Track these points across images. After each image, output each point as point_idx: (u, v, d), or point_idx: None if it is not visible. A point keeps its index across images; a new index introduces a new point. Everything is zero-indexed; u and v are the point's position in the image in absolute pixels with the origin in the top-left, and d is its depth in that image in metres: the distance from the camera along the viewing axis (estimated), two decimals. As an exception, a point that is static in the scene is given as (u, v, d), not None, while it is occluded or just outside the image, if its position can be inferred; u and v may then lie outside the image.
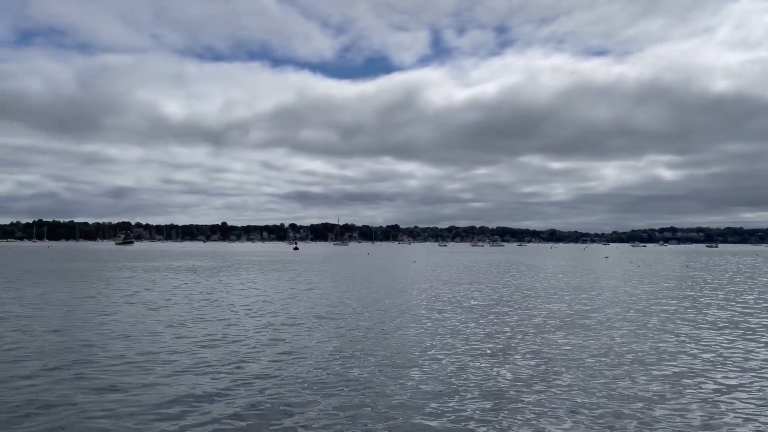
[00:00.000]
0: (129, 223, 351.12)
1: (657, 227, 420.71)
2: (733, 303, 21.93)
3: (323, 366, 10.75)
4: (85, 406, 8.15)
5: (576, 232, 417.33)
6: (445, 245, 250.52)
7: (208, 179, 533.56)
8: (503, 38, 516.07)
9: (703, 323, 16.45)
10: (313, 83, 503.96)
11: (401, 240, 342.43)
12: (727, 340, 13.77)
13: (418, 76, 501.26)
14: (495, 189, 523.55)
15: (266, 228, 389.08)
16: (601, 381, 9.75)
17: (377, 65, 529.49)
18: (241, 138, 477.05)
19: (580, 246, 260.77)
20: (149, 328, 14.94)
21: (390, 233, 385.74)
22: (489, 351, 12.27)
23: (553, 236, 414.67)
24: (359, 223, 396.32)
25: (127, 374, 9.98)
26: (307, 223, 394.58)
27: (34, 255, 78.14)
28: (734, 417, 7.94)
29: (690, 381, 9.82)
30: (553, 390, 9.18)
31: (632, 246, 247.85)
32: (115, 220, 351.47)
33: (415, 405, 8.39)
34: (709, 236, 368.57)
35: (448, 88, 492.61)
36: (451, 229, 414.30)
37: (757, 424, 7.65)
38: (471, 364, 11.04)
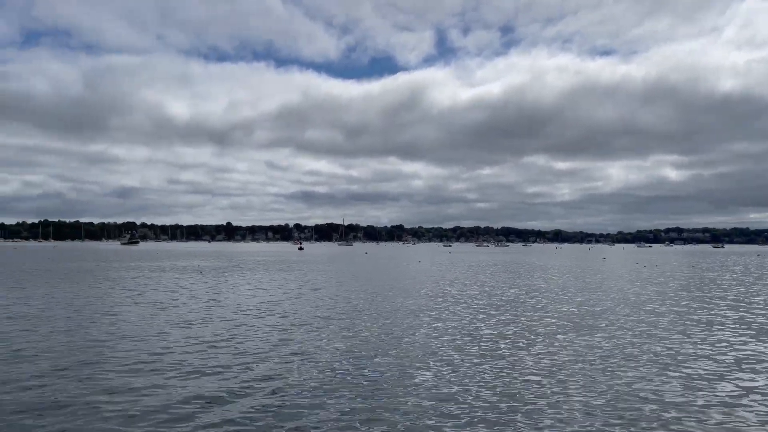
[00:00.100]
0: (134, 223, 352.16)
1: (663, 228, 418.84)
2: (742, 304, 21.75)
3: (333, 367, 10.69)
4: (97, 407, 8.11)
5: (581, 232, 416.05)
6: (449, 245, 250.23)
7: (213, 179, 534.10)
8: (508, 38, 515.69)
9: (714, 324, 16.30)
10: (317, 83, 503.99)
11: (406, 240, 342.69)
12: (740, 341, 13.63)
13: (423, 76, 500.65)
14: (500, 189, 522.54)
15: (271, 228, 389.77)
16: (616, 382, 9.64)
17: (382, 65, 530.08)
18: (246, 138, 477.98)
19: (585, 246, 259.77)
20: (157, 328, 14.92)
21: (395, 233, 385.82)
22: (500, 352, 12.18)
23: (559, 236, 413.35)
24: (364, 224, 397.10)
25: (137, 375, 9.94)
26: (311, 223, 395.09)
27: (39, 255, 78.44)
28: (754, 420, 7.82)
29: (706, 383, 9.70)
30: (567, 392, 9.08)
31: (638, 246, 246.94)
32: (120, 220, 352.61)
33: (428, 407, 8.30)
34: (716, 237, 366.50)
35: (453, 88, 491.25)
36: (455, 229, 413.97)
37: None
38: (483, 365, 10.95)
